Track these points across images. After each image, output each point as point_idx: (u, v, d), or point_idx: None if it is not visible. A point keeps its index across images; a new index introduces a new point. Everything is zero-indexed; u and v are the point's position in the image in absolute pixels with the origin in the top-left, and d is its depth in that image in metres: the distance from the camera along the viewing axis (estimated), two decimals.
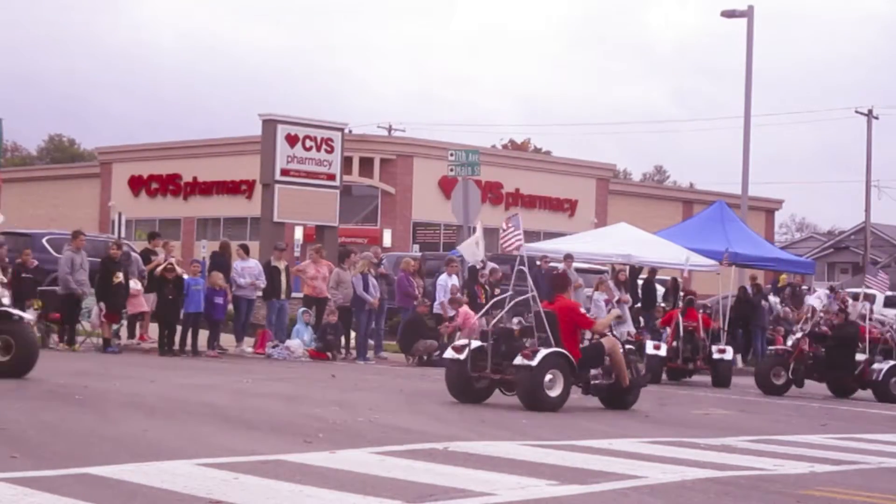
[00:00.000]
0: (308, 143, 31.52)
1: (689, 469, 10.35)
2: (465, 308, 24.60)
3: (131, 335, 24.15)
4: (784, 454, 11.97)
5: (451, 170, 29.76)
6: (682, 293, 27.12)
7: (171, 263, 23.50)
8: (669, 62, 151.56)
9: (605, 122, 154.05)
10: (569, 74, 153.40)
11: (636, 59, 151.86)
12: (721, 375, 23.28)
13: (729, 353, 23.61)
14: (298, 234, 48.37)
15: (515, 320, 16.50)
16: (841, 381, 22.15)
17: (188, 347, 23.02)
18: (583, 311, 17.38)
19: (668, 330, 24.21)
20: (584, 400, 16.65)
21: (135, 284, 23.67)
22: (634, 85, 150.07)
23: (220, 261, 24.88)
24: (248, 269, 24.56)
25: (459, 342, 16.68)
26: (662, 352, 23.09)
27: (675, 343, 23.52)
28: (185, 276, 23.33)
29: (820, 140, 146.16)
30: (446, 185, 47.38)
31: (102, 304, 22.59)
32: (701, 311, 25.03)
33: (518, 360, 15.41)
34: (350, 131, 48.33)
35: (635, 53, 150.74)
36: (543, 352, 15.38)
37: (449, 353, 16.34)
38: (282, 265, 24.98)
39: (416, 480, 8.88)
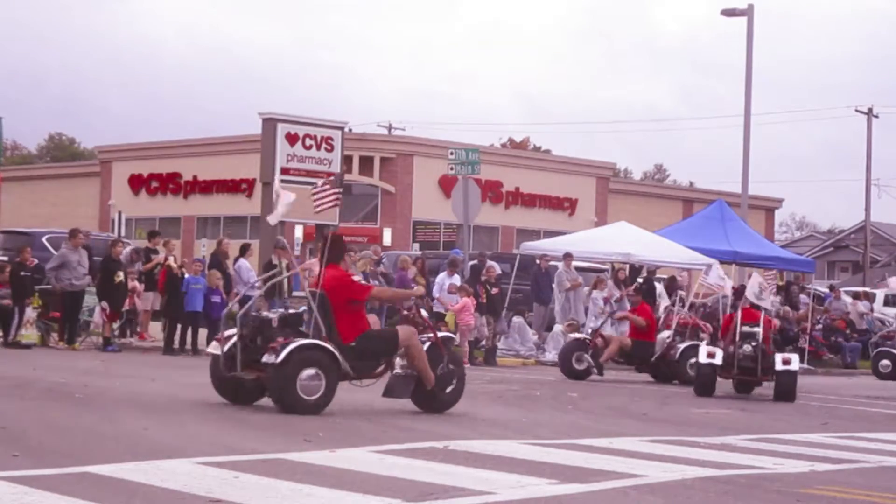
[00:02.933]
0: (308, 141, 31.55)
1: (689, 468, 10.35)
2: (467, 300, 24.66)
3: (123, 334, 24.10)
4: (784, 453, 11.97)
5: (451, 168, 29.77)
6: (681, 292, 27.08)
7: (178, 261, 23.65)
8: (672, 60, 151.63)
9: (606, 120, 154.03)
10: (570, 72, 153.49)
11: (638, 56, 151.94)
12: (784, 388, 19.54)
13: (795, 363, 19.80)
14: (298, 232, 48.38)
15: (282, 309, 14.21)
16: None
17: (188, 346, 23.04)
18: (357, 279, 14.94)
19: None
20: (584, 400, 16.61)
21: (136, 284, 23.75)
22: (636, 83, 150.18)
23: (216, 260, 24.90)
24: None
25: (227, 332, 13.66)
26: (718, 360, 19.64)
27: (731, 349, 19.88)
28: (186, 275, 23.39)
29: (820, 138, 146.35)
30: (446, 184, 47.38)
31: (105, 304, 22.59)
32: (701, 310, 24.94)
33: (266, 357, 12.99)
34: (350, 130, 48.35)
35: (637, 51, 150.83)
36: (293, 344, 12.96)
37: (212, 346, 13.97)
38: (283, 263, 24.97)
39: (415, 479, 8.88)
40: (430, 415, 14.01)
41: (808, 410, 18.41)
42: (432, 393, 13.97)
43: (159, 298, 23.91)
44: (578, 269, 28.51)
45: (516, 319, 27.83)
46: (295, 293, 26.79)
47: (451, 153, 30.02)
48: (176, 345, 22.90)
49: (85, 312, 23.60)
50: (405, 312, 14.85)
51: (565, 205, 60.68)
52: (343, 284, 13.48)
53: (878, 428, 15.87)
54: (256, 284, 21.07)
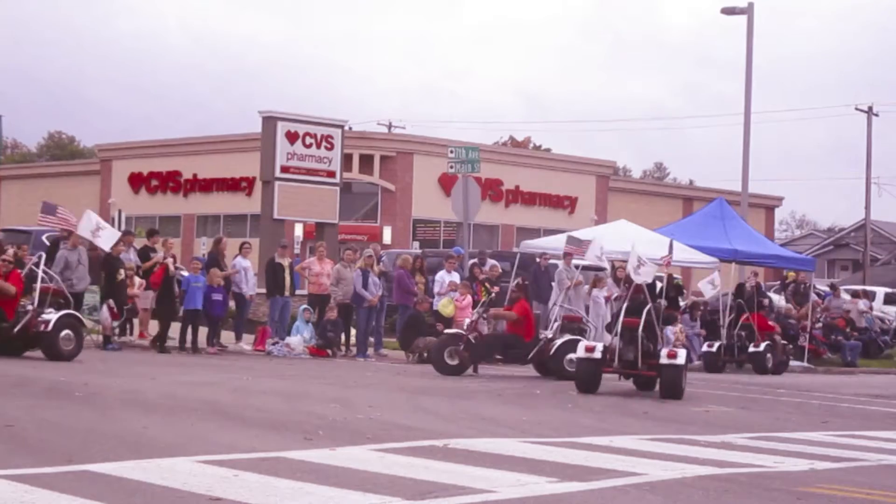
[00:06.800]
0: (308, 140, 31.53)
1: (689, 466, 10.35)
2: (469, 298, 24.64)
3: (123, 332, 24.07)
4: (784, 451, 11.97)
5: (451, 167, 29.75)
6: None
7: (173, 261, 23.64)
8: (674, 57, 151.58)
9: (608, 118, 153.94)
10: (572, 69, 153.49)
11: (640, 53, 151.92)
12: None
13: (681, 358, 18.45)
14: (298, 231, 48.37)
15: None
16: None
17: (188, 344, 23.03)
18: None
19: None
20: (584, 398, 16.61)
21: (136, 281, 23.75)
22: (638, 80, 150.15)
23: (214, 259, 24.88)
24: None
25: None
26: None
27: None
28: (185, 273, 23.39)
29: (820, 136, 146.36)
30: (446, 182, 47.36)
31: (111, 302, 22.53)
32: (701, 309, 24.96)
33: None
34: (350, 128, 48.32)
35: (640, 48, 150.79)
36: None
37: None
38: (285, 262, 24.99)
39: (416, 477, 8.88)
40: (430, 414, 14.03)
41: (809, 409, 18.42)
42: None
43: None
44: (578, 267, 28.45)
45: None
46: (297, 292, 26.79)
47: (451, 151, 29.98)
48: (178, 343, 22.88)
49: (85, 311, 23.56)
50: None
51: (565, 203, 60.67)
52: None
53: (878, 426, 15.88)
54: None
